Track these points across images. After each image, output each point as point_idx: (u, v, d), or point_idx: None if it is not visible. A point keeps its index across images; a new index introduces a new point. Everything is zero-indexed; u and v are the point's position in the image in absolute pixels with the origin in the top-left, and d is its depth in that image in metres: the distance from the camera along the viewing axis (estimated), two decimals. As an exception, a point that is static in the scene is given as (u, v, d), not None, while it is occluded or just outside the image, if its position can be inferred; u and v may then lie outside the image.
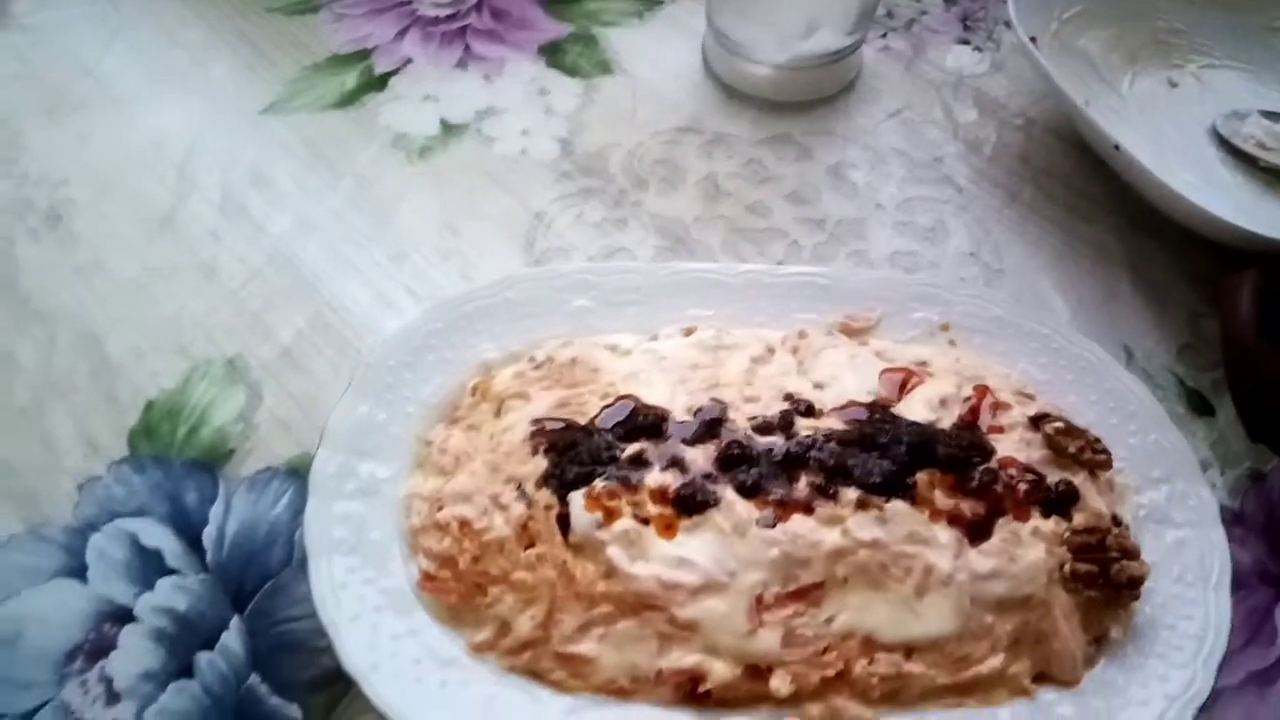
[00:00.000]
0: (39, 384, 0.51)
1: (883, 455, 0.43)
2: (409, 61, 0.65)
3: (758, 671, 0.39)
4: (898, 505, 0.41)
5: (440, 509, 0.43)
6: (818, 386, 0.46)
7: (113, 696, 0.42)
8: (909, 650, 0.40)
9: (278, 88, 0.64)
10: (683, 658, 0.39)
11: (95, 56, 0.65)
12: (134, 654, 0.43)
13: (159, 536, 0.46)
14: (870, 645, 0.40)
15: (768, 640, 0.39)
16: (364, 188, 0.59)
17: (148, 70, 0.64)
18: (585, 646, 0.40)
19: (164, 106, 0.62)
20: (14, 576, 0.45)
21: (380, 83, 0.64)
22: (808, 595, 0.40)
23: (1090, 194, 0.60)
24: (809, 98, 0.63)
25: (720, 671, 0.39)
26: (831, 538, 0.41)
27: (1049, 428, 0.45)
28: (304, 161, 0.60)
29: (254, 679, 0.42)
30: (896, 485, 0.42)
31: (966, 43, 0.68)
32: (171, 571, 0.45)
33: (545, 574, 0.41)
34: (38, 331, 0.52)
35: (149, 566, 0.45)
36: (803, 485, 0.42)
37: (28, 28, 0.66)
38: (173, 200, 0.58)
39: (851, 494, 0.42)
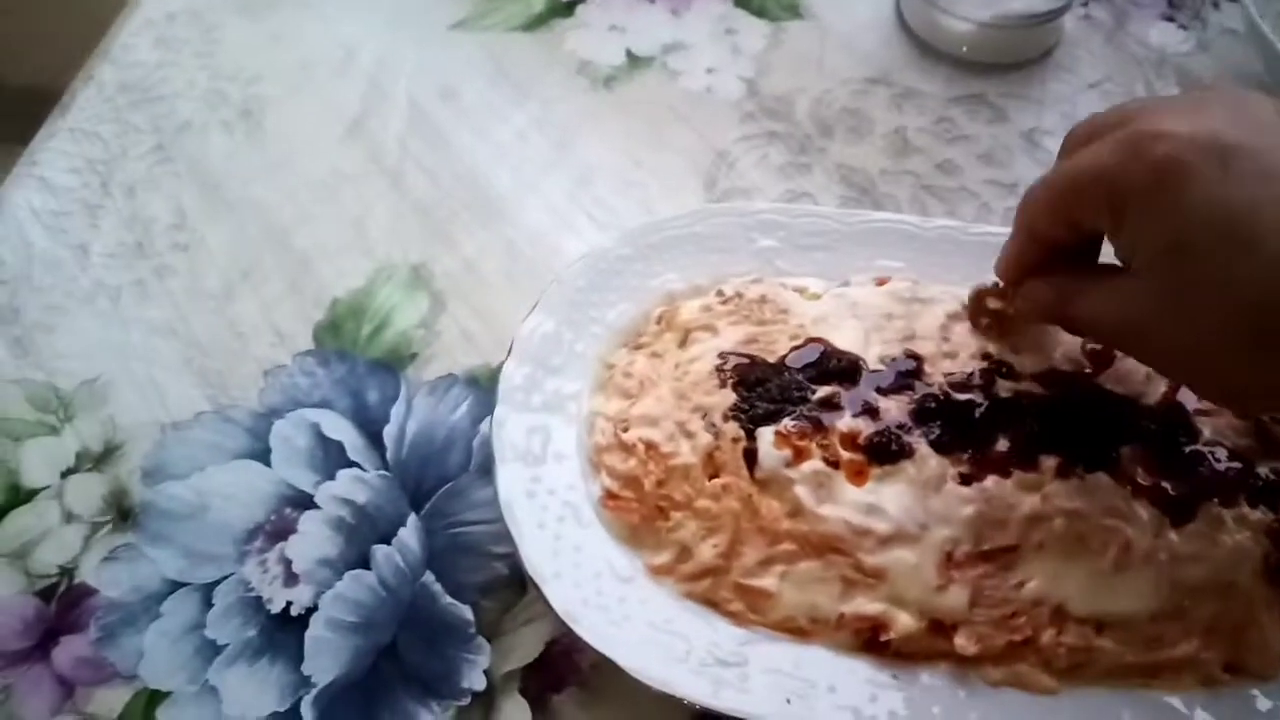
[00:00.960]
0: (230, 271, 0.52)
1: (1085, 425, 0.41)
2: (596, -10, 0.65)
3: (941, 628, 0.38)
4: (1099, 477, 0.40)
5: (626, 430, 0.43)
6: (1016, 350, 0.45)
7: (291, 578, 0.43)
8: (1099, 625, 0.39)
9: (467, 5, 0.64)
10: (866, 605, 0.39)
11: (291, -41, 0.66)
12: (313, 539, 0.44)
13: (341, 429, 0.46)
14: (1060, 615, 0.38)
15: (956, 597, 0.38)
16: (549, 111, 0.59)
17: (340, -24, 0.65)
18: (766, 581, 0.39)
19: (356, 14, 0.63)
20: (201, 452, 0.46)
21: (568, 9, 0.64)
22: (1000, 557, 0.39)
23: (1300, 185, 0.56)
24: (1007, 60, 0.61)
25: (904, 623, 0.38)
26: (1030, 502, 0.39)
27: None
28: (490, 80, 0.60)
29: (428, 577, 0.43)
30: (1098, 457, 0.41)
31: (1171, 19, 0.65)
32: (352, 464, 0.45)
33: (729, 505, 0.40)
34: (229, 220, 0.54)
35: (330, 457, 0.46)
36: (1001, 446, 0.41)
37: (227, -74, 0.67)
38: (361, 107, 0.58)
39: (1051, 461, 0.40)
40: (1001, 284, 0.43)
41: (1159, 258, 0.33)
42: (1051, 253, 0.40)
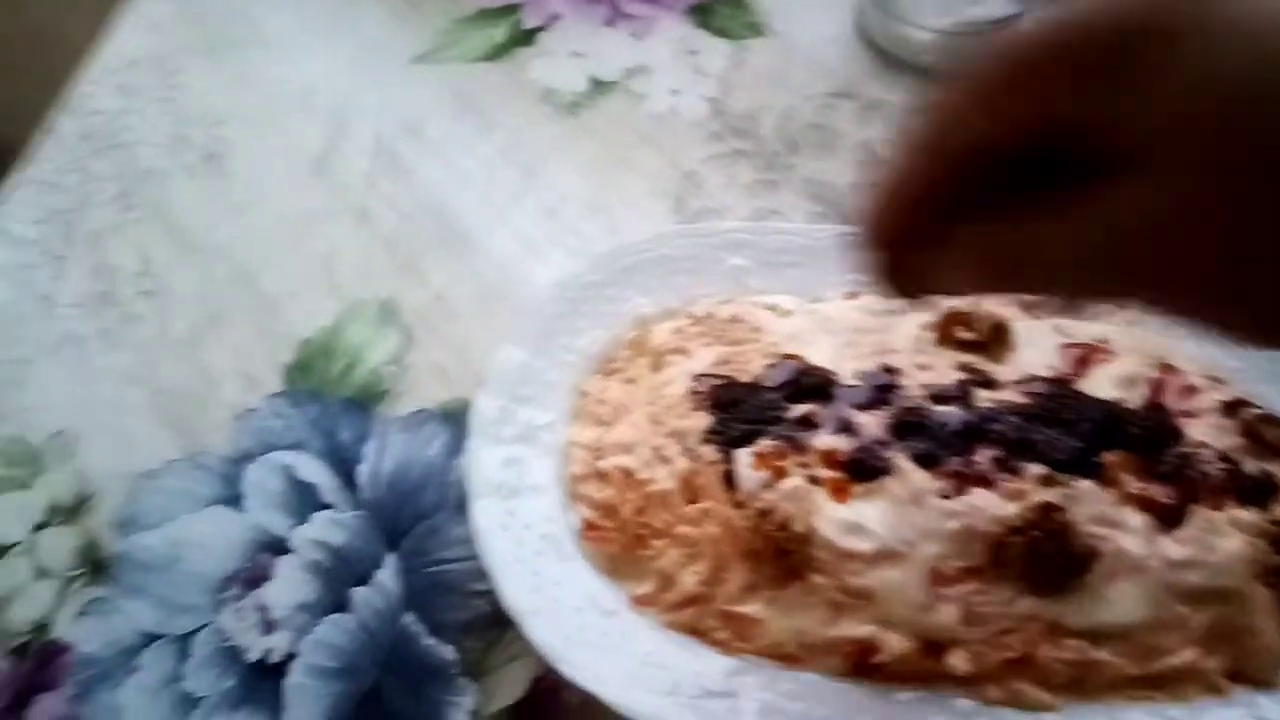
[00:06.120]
0: (197, 316, 0.51)
1: (1067, 432, 0.41)
2: (557, 18, 0.65)
3: (933, 647, 0.38)
4: (1086, 485, 0.39)
5: (601, 458, 0.42)
6: (995, 360, 0.44)
7: (268, 625, 0.42)
8: (1095, 637, 0.38)
9: (428, 38, 0.63)
10: (855, 627, 0.38)
11: (250, 0, 0.65)
12: (290, 584, 0.43)
13: (314, 470, 0.45)
14: (1055, 629, 0.38)
15: (946, 616, 0.37)
16: (514, 140, 0.58)
17: (301, 16, 0.65)
18: (751, 608, 0.39)
19: (317, 52, 0.63)
20: (172, 501, 0.45)
21: (528, 38, 0.63)
22: (989, 572, 0.38)
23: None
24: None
25: (895, 644, 0.37)
26: (1015, 513, 0.39)
27: (1246, 414, 0.42)
28: (454, 112, 0.60)
29: (409, 618, 0.42)
30: (1083, 464, 0.40)
31: (1135, 19, 0.65)
32: (326, 506, 0.45)
33: (710, 530, 0.40)
34: (195, 265, 0.53)
35: (304, 499, 0.45)
36: (982, 458, 0.40)
37: (187, -30, 0.67)
38: (326, 145, 0.58)
39: (1036, 470, 0.40)
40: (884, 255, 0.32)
41: (1192, 129, 0.22)
42: (956, 190, 0.27)
